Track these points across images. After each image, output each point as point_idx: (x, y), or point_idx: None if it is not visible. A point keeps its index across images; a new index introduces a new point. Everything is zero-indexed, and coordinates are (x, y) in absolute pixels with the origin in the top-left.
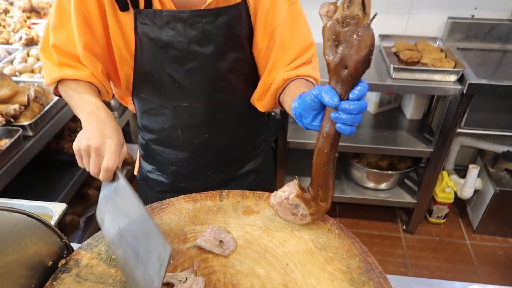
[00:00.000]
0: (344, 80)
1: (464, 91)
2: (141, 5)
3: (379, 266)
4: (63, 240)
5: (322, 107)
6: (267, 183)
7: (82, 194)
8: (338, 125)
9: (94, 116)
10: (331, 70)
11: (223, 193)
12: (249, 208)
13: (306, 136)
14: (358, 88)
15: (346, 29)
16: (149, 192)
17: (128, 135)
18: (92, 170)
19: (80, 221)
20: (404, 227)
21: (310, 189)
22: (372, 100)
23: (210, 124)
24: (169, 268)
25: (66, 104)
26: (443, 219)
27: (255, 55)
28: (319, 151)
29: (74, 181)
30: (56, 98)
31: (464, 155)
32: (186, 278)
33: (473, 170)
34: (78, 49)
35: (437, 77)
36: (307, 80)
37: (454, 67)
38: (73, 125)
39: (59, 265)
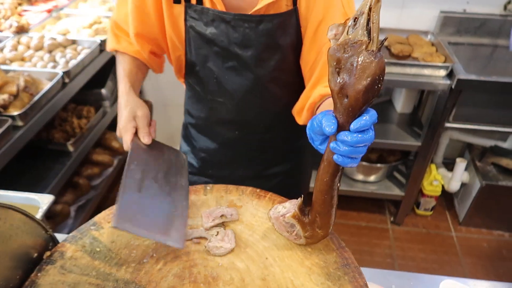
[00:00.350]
0: (345, 110)
1: (453, 86)
2: (193, 0)
3: (355, 261)
4: (48, 233)
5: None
6: (294, 188)
7: (73, 183)
8: (335, 156)
9: (119, 100)
10: (333, 98)
11: (207, 188)
12: (232, 202)
13: None
14: (364, 118)
15: (346, 55)
16: None
17: None
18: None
19: (71, 210)
20: (392, 218)
21: (309, 214)
22: None
23: (241, 123)
24: (151, 261)
25: (57, 93)
26: (430, 211)
27: (302, 66)
28: (319, 177)
29: (65, 170)
30: (47, 88)
31: (453, 148)
32: (218, 232)
33: (460, 164)
34: (130, 33)
35: (426, 71)
36: None
37: (444, 62)
38: (63, 115)
39: (44, 257)
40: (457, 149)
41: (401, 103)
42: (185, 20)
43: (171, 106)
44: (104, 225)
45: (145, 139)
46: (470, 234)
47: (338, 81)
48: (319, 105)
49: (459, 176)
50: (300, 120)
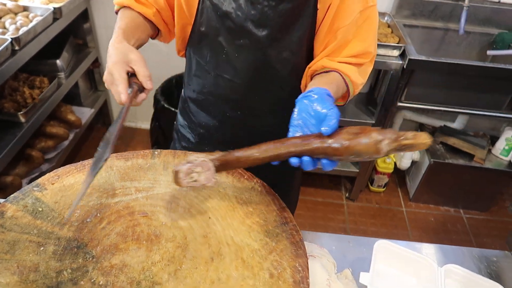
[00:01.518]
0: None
1: (405, 66)
2: None
3: (293, 220)
4: None
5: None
6: (290, 175)
7: (26, 155)
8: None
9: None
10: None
11: (155, 153)
12: None
13: None
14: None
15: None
16: (177, 144)
17: (77, 97)
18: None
19: (23, 182)
20: (347, 194)
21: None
22: None
23: (245, 103)
24: (95, 220)
25: (5, 61)
26: (383, 187)
27: (315, 46)
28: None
29: (15, 141)
30: None
31: (406, 128)
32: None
33: None
34: None
35: (381, 51)
36: (343, 78)
37: (397, 43)
38: (14, 84)
39: None
40: (410, 129)
41: None
42: None
43: None
44: (47, 187)
45: (148, 84)
46: (419, 209)
47: (351, 140)
48: (319, 73)
49: (409, 154)
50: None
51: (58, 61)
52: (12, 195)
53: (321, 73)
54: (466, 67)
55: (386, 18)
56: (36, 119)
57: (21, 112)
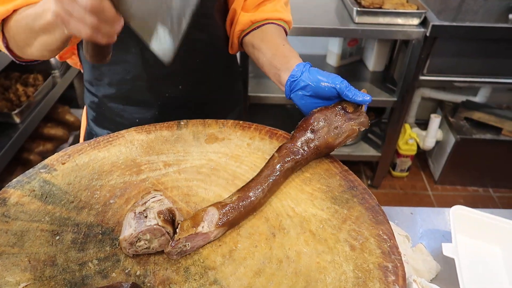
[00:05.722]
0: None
1: (428, 34)
2: None
3: (362, 183)
4: None
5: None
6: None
7: (23, 160)
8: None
9: None
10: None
11: (182, 123)
12: (213, 135)
13: (268, 89)
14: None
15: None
16: None
17: (74, 100)
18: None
19: None
20: (369, 182)
21: None
22: (334, 52)
23: (186, 72)
24: (120, 201)
25: None
26: (406, 171)
27: None
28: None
29: (11, 144)
30: None
31: (424, 108)
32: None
33: (435, 119)
34: None
35: (400, 20)
36: (278, 24)
37: (417, 10)
38: (6, 83)
39: None
40: (428, 109)
41: (373, 61)
42: None
43: None
44: (57, 167)
45: None
46: (446, 192)
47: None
48: (249, 31)
49: (434, 132)
50: (230, 48)
51: (52, 59)
52: (14, 180)
53: (251, 31)
54: (493, 30)
55: None
56: (32, 119)
57: (15, 112)
